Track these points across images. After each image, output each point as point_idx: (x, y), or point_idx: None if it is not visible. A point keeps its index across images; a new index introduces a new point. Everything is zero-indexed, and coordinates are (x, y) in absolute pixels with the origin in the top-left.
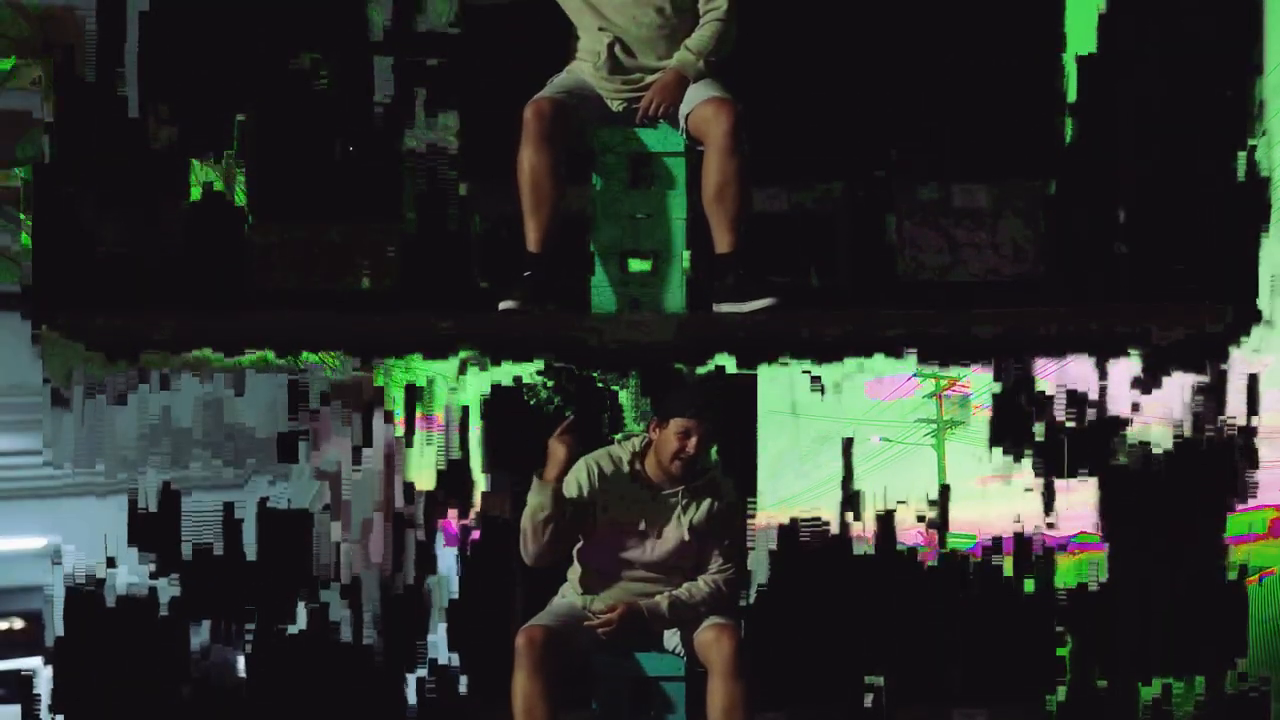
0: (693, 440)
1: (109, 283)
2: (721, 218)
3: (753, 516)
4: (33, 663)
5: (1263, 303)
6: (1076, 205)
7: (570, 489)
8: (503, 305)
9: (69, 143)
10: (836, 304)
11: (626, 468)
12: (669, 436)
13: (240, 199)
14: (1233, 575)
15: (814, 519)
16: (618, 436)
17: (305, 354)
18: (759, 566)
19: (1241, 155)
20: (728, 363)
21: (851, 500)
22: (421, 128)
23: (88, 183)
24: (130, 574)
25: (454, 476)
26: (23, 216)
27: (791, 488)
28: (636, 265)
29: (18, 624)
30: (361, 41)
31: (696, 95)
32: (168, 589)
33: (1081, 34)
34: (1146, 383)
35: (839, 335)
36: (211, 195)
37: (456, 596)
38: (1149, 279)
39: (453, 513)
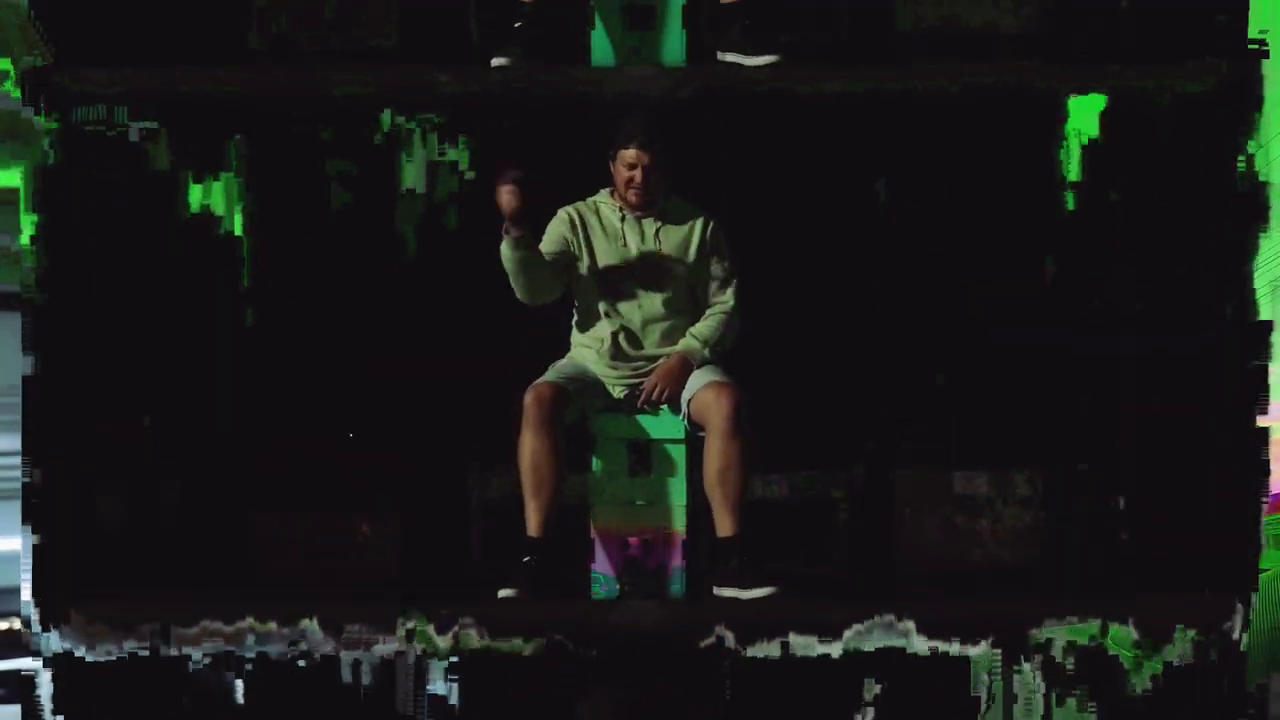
0: (638, 170)
1: (108, 560)
2: (723, 501)
3: None
4: (34, 663)
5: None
6: (1077, 493)
7: (553, 234)
8: (502, 593)
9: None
10: (836, 589)
11: (602, 202)
12: (619, 169)
13: (238, 228)
14: None
15: None
16: None
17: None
18: None
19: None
20: (727, 636)
21: None
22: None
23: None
24: None
25: None
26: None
27: None
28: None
29: (17, 624)
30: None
31: (698, 380)
32: None
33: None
34: (1146, 647)
35: (839, 620)
36: (210, 221)
37: None
38: (1150, 565)
39: None
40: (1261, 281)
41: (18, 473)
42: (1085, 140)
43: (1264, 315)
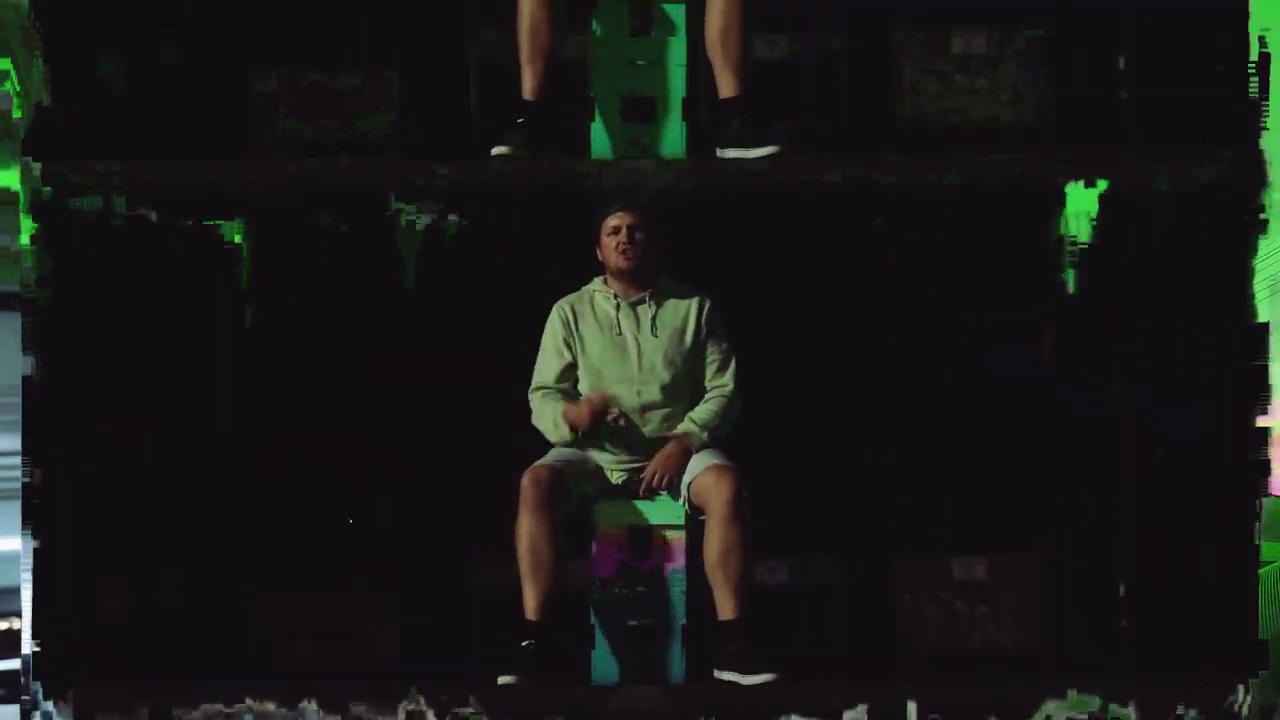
0: (623, 232)
1: (110, 649)
2: (724, 585)
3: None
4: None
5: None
6: (1075, 577)
7: (556, 344)
8: (502, 680)
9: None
10: (836, 673)
11: (596, 290)
12: (606, 243)
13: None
14: None
15: None
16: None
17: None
18: None
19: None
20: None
21: None
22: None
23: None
24: None
25: None
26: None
27: None
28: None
29: (17, 624)
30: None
31: (698, 464)
32: None
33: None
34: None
35: (839, 704)
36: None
37: None
38: (1150, 647)
39: None
40: (1261, 281)
41: (18, 473)
42: (1086, 231)
43: (1263, 316)
